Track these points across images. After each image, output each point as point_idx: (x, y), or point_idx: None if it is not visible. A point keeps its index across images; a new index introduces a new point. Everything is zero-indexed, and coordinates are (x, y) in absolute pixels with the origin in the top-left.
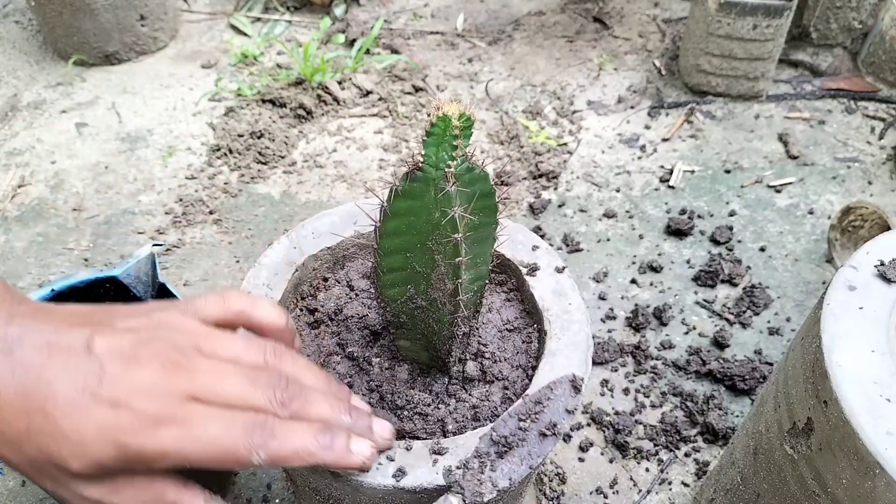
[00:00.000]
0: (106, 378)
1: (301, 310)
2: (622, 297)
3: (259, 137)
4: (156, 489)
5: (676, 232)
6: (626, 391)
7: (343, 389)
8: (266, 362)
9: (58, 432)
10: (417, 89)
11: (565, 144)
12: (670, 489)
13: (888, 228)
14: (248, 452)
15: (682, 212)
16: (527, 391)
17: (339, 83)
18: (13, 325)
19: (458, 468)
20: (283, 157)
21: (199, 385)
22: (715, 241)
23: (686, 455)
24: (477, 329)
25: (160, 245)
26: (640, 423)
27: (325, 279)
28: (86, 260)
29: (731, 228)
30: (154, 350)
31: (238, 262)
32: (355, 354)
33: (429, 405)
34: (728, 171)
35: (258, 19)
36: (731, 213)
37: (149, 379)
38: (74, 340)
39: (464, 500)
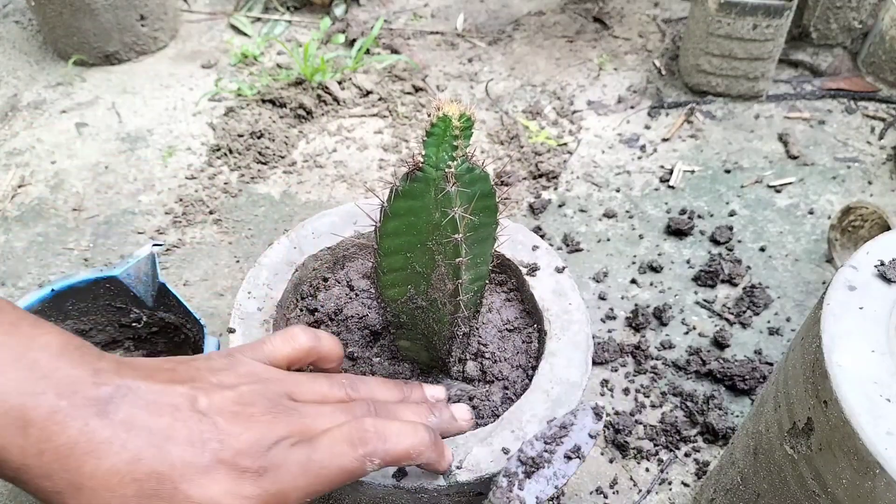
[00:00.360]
0: (225, 436)
1: (301, 310)
2: (622, 297)
3: (259, 137)
4: None
5: (676, 232)
6: (626, 391)
7: (415, 387)
8: (348, 395)
9: (179, 495)
10: (417, 89)
11: (565, 144)
12: (670, 489)
13: (888, 228)
14: (361, 464)
15: (682, 212)
16: (552, 418)
17: (339, 83)
18: (102, 385)
19: (457, 468)
20: (283, 157)
21: (306, 430)
22: (715, 241)
23: (686, 455)
24: (477, 329)
25: (160, 245)
26: (640, 423)
27: (325, 279)
28: (86, 260)
29: (731, 228)
30: (259, 407)
31: (238, 262)
32: (356, 354)
33: None
34: (728, 171)
35: (258, 19)
36: (731, 213)
37: (264, 434)
38: (177, 399)
39: None
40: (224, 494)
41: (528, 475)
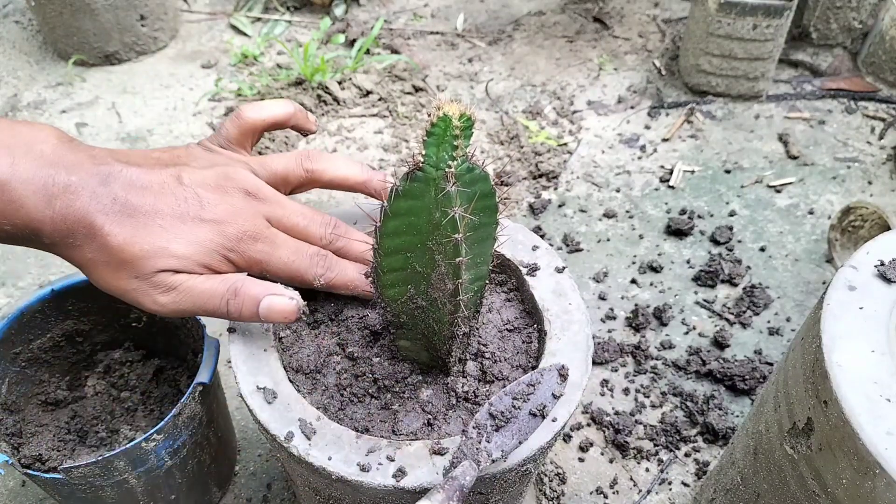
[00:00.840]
0: (206, 203)
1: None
2: (622, 297)
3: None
4: (226, 274)
5: (676, 232)
6: (626, 391)
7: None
8: (304, 169)
9: (172, 236)
10: (417, 89)
11: (565, 144)
12: (670, 489)
13: (888, 228)
14: (313, 278)
15: (682, 212)
16: (520, 379)
17: (339, 83)
18: (100, 164)
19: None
20: None
21: (274, 214)
22: (715, 241)
23: (686, 455)
24: (477, 329)
25: None
26: (640, 423)
27: None
28: None
29: (731, 228)
30: (233, 183)
31: None
32: (355, 355)
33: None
34: (728, 171)
35: (258, 19)
36: (731, 213)
37: (239, 204)
38: (164, 176)
39: (477, 465)
40: (208, 240)
41: (497, 429)
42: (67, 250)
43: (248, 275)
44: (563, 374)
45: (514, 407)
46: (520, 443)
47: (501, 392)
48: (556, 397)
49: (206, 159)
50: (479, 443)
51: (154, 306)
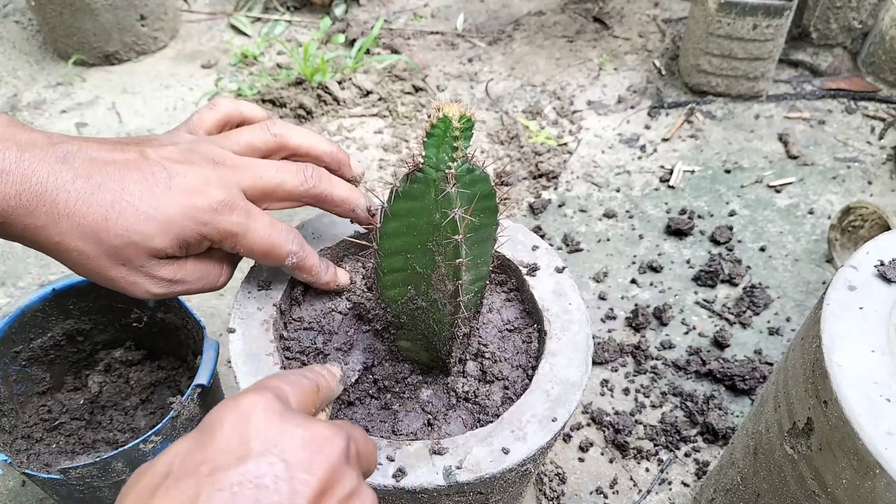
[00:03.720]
0: (174, 174)
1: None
2: (622, 297)
3: None
4: (212, 262)
5: (676, 232)
6: (626, 391)
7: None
8: (273, 136)
9: (142, 215)
10: (417, 89)
11: (565, 144)
12: (670, 489)
13: (888, 228)
14: (287, 255)
15: (682, 212)
16: None
17: (339, 83)
18: (58, 144)
19: (457, 468)
20: None
21: (246, 180)
22: (715, 241)
23: (686, 455)
24: (477, 329)
25: None
26: (640, 423)
27: None
28: None
29: (731, 228)
30: (199, 155)
31: None
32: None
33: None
34: (728, 171)
35: (258, 19)
36: (731, 213)
37: (208, 174)
38: (127, 153)
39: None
40: (180, 214)
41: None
42: (31, 234)
43: (222, 250)
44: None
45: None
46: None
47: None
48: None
49: (168, 139)
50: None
51: (146, 295)
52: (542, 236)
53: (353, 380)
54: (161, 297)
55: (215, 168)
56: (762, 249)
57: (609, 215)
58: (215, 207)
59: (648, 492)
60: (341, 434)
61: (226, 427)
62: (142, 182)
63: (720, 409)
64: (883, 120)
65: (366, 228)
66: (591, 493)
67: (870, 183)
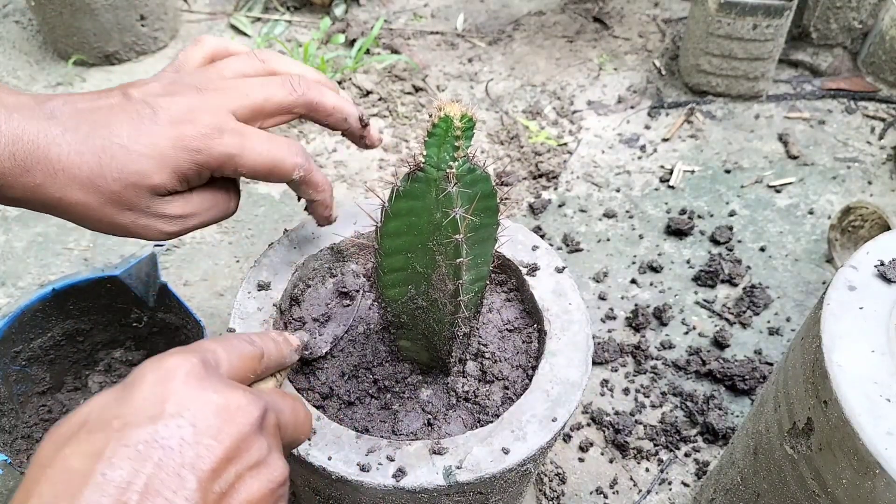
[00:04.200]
0: (159, 108)
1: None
2: (622, 297)
3: None
4: (218, 191)
5: (676, 232)
6: (626, 391)
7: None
8: (263, 64)
9: (134, 154)
10: (417, 89)
11: (565, 144)
12: (670, 489)
13: (888, 228)
14: (293, 168)
15: (682, 212)
16: None
17: (339, 83)
18: (45, 103)
19: (457, 468)
20: None
21: (234, 101)
22: (715, 241)
23: (686, 455)
24: (477, 329)
25: (161, 245)
26: (640, 423)
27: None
28: (86, 260)
29: (731, 228)
30: (183, 86)
31: (238, 261)
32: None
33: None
34: (728, 171)
35: (258, 19)
36: (731, 213)
37: (193, 101)
38: (111, 98)
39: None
40: (172, 146)
41: (324, 324)
42: (31, 194)
43: (224, 176)
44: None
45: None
46: (345, 327)
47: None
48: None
49: (153, 78)
50: (315, 337)
51: (162, 236)
52: (542, 236)
53: (323, 350)
54: (176, 234)
55: (200, 94)
56: (762, 249)
57: (609, 215)
58: (205, 133)
59: (648, 492)
60: (258, 403)
61: (145, 386)
62: (128, 122)
63: (720, 409)
64: (883, 120)
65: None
66: (591, 493)
67: (870, 183)
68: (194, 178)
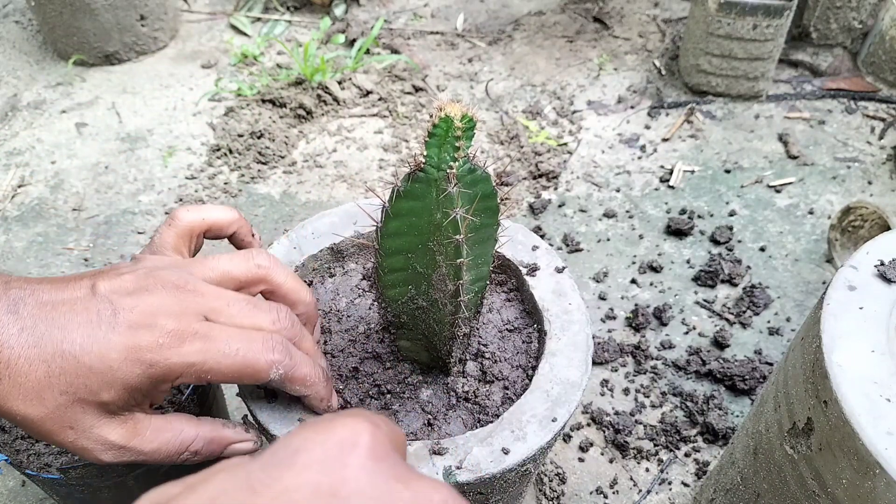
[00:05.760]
0: (120, 309)
1: None
2: (622, 297)
3: (259, 137)
4: (175, 425)
5: (676, 232)
6: (626, 391)
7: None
8: (253, 267)
9: (83, 368)
10: (417, 89)
11: (565, 144)
12: (670, 489)
13: (888, 228)
14: (269, 367)
15: (682, 212)
16: None
17: (339, 83)
18: (12, 289)
19: (457, 468)
20: (283, 157)
21: (209, 307)
22: (715, 241)
23: (686, 455)
24: (477, 329)
25: None
26: (640, 423)
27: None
28: (86, 260)
29: (731, 228)
30: (157, 280)
31: None
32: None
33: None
34: (728, 171)
35: (258, 19)
36: (731, 213)
37: (162, 302)
38: (78, 290)
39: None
40: (122, 358)
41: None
42: None
43: (186, 385)
44: None
45: None
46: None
47: None
48: None
49: (130, 265)
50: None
51: (98, 462)
52: (542, 236)
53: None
54: (115, 464)
55: (174, 293)
56: (762, 249)
57: (609, 215)
58: (162, 343)
59: (648, 492)
60: (453, 496)
61: (312, 466)
62: (85, 326)
63: (720, 409)
64: (883, 120)
65: (364, 242)
66: (591, 493)
67: (870, 183)
68: (152, 390)
